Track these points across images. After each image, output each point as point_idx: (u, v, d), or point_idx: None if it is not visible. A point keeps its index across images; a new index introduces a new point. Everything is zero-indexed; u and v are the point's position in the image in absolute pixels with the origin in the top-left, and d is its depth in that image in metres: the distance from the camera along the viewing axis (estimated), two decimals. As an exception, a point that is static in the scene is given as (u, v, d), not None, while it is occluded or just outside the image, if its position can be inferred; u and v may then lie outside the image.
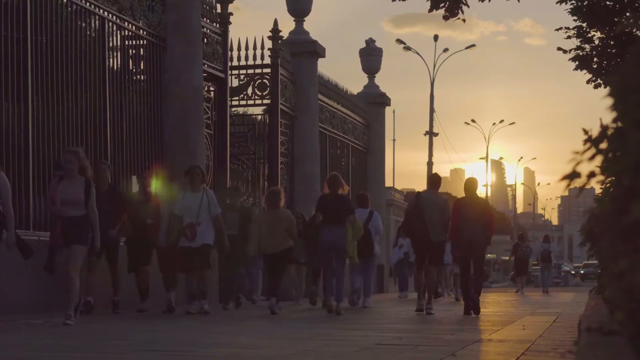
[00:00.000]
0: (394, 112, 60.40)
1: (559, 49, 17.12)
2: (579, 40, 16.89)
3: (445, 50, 44.79)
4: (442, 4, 14.34)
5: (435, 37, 44.62)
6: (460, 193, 14.55)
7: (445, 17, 14.42)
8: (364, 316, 12.88)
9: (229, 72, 19.16)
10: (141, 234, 12.87)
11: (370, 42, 29.34)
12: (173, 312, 12.63)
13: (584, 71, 17.01)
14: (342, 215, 12.82)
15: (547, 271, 27.19)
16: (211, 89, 18.34)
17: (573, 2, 16.28)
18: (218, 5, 18.44)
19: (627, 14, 15.52)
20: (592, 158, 2.79)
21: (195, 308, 12.57)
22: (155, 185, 13.45)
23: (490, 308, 15.80)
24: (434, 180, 14.03)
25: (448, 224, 13.31)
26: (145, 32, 15.91)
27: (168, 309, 12.79)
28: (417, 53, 43.49)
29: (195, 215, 12.53)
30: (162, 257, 13.01)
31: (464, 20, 14.35)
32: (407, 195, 64.67)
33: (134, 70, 15.98)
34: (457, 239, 13.09)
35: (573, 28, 16.79)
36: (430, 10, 14.49)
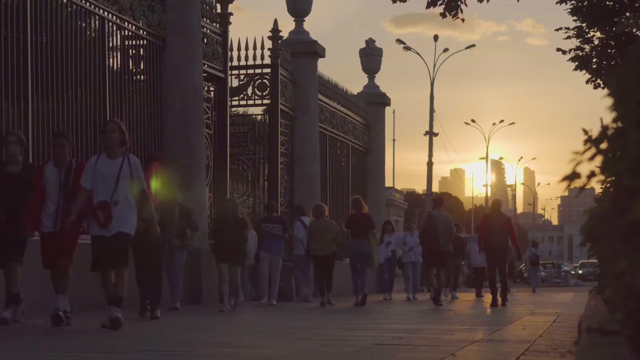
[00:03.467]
0: (394, 112, 60.58)
1: (558, 49, 17.12)
2: (578, 40, 16.88)
3: (445, 50, 44.78)
4: (440, 1, 14.26)
5: (435, 37, 44.60)
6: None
7: (443, 15, 14.32)
8: (364, 316, 12.89)
9: (229, 72, 19.16)
10: (15, 219, 9.55)
11: (370, 42, 29.35)
12: (61, 325, 9.30)
13: (584, 71, 17.00)
14: (366, 230, 16.25)
15: (535, 273, 29.57)
16: (211, 89, 18.34)
17: (573, 2, 16.27)
18: (218, 5, 18.45)
19: (627, 14, 15.52)
20: (592, 158, 2.78)
21: (109, 319, 8.86)
22: (155, 185, 13.44)
23: (490, 308, 15.80)
24: (439, 201, 17.63)
25: (452, 237, 17.43)
26: (145, 32, 15.91)
27: (53, 320, 9.31)
28: (417, 53, 43.50)
29: (110, 190, 9.08)
30: (45, 246, 9.63)
31: (462, 20, 14.29)
32: (407, 196, 64.71)
33: (134, 70, 15.98)
34: (486, 248, 16.13)
35: (573, 28, 16.78)
36: (427, 7, 14.36)
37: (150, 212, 9.73)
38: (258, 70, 20.87)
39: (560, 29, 17.00)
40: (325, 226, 16.23)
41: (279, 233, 16.47)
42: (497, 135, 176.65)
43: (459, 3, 14.24)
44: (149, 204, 9.66)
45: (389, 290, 21.07)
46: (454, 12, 14.25)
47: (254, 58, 20.71)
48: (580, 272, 56.26)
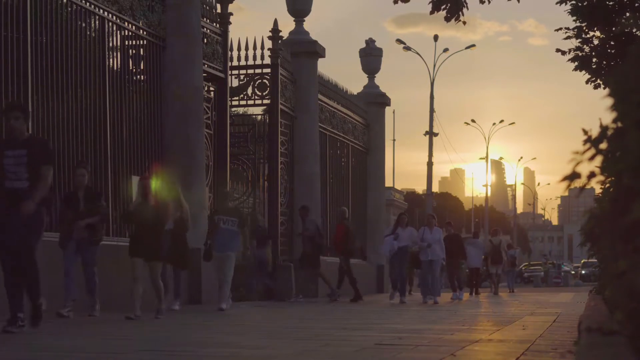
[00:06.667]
0: (394, 112, 60.67)
1: (558, 50, 17.10)
2: (578, 41, 16.87)
3: (445, 50, 44.78)
4: (444, 6, 14.38)
5: (435, 37, 44.58)
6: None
7: (447, 19, 14.48)
8: (364, 316, 12.89)
9: (229, 72, 19.16)
10: None
11: (370, 42, 29.35)
12: None
13: (584, 72, 16.99)
14: (266, 239, 19.14)
15: (512, 274, 30.97)
16: (211, 89, 18.34)
17: (573, 2, 16.26)
18: (218, 5, 18.45)
19: (627, 14, 15.51)
20: (592, 158, 2.79)
21: None
22: (155, 185, 13.44)
23: (490, 308, 15.82)
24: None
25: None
26: (145, 32, 15.91)
27: None
28: (417, 53, 43.48)
29: None
30: None
31: (464, 23, 14.41)
32: (407, 196, 64.67)
33: (134, 70, 15.98)
34: (345, 251, 19.62)
35: (573, 29, 16.77)
36: (431, 13, 14.54)
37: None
38: (258, 70, 20.87)
39: (560, 29, 16.98)
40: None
41: (233, 228, 14.16)
42: (497, 135, 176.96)
43: (461, 6, 14.33)
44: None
45: (401, 292, 18.79)
46: (457, 15, 14.35)
47: (254, 58, 20.72)
48: (583, 272, 55.71)
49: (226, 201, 14.87)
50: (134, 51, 15.86)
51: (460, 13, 14.36)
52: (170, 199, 12.83)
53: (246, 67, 20.76)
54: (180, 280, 14.20)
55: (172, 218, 13.12)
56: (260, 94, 20.94)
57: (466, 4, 14.38)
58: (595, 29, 16.65)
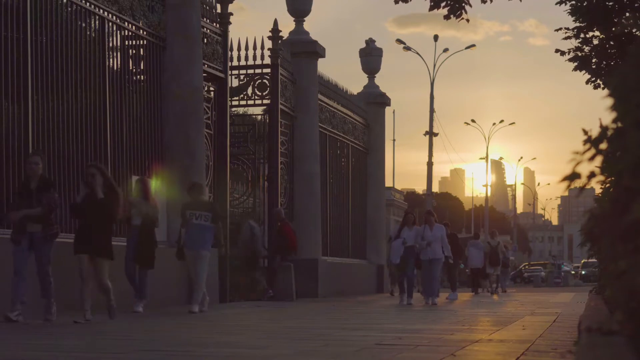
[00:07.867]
0: (394, 112, 60.55)
1: (557, 50, 17.08)
2: (577, 41, 16.86)
3: (445, 50, 44.77)
4: (444, 3, 14.25)
5: (435, 37, 44.57)
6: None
7: (446, 17, 14.31)
8: (364, 316, 12.89)
9: (229, 72, 19.16)
10: None
11: (370, 42, 29.34)
12: None
13: (584, 72, 16.97)
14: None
15: (505, 274, 31.65)
16: (211, 89, 18.34)
17: (572, 2, 16.24)
18: (218, 5, 18.45)
19: (627, 14, 15.50)
20: (592, 158, 2.79)
21: None
22: (155, 185, 13.45)
23: (490, 308, 15.82)
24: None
25: None
26: (145, 32, 15.90)
27: None
28: (417, 53, 43.47)
29: None
30: None
31: (467, 20, 14.25)
32: (407, 196, 64.68)
33: (134, 70, 15.97)
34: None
35: (573, 29, 16.75)
36: (430, 9, 14.36)
37: None
38: (258, 70, 20.87)
39: (560, 29, 16.96)
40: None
41: (206, 223, 13.24)
42: (497, 135, 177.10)
43: (463, 4, 14.22)
44: None
45: (403, 292, 18.15)
46: (458, 13, 14.23)
47: (254, 58, 20.72)
48: (583, 272, 55.59)
49: (198, 194, 13.65)
50: (134, 51, 15.85)
51: (462, 11, 14.24)
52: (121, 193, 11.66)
53: (246, 67, 20.76)
54: (146, 281, 13.29)
55: (139, 213, 12.97)
56: (260, 94, 20.95)
57: (468, 1, 14.25)
58: (595, 29, 16.64)
